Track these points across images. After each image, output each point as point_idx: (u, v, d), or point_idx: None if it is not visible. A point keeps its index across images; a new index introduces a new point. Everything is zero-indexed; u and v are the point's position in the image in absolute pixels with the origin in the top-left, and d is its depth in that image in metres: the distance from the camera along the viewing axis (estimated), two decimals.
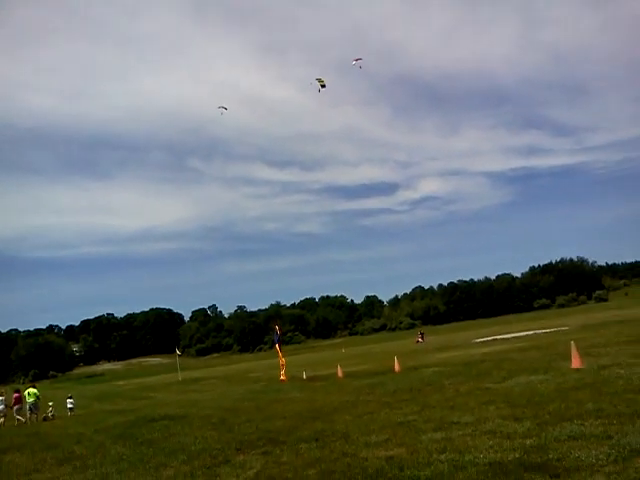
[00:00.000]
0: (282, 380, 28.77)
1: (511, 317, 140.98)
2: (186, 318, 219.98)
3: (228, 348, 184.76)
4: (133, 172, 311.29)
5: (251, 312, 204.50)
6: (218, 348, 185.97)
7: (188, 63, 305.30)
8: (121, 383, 72.07)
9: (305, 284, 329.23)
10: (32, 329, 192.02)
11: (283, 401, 18.30)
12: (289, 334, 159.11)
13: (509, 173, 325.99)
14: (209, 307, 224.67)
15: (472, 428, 9.25)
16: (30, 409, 27.33)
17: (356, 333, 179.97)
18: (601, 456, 6.60)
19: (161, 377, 75.84)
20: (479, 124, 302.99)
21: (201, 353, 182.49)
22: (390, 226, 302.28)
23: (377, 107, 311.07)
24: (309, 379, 27.28)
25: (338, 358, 50.25)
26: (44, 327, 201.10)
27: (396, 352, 34.63)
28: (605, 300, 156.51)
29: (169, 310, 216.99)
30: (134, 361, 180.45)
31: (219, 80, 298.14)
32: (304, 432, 11.33)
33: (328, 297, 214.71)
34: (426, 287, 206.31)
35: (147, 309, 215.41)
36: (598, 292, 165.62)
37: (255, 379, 35.75)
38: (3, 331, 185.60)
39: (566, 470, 6.31)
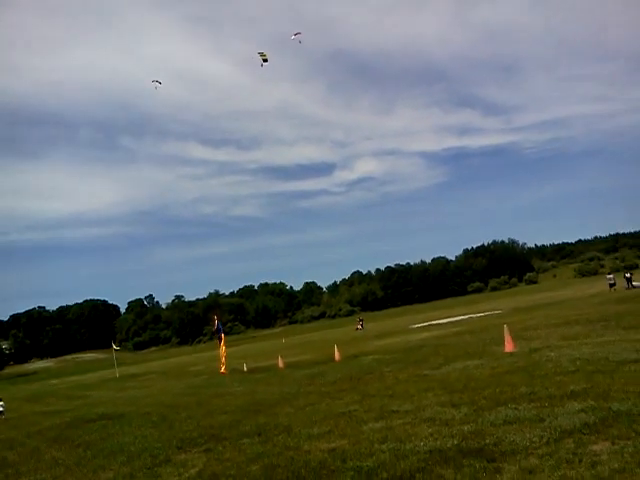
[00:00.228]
0: (222, 373, 28.54)
1: (446, 301, 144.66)
2: (122, 309, 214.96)
3: (166, 341, 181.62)
4: (61, 151, 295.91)
5: (189, 302, 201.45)
6: (156, 341, 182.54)
7: (116, 35, 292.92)
8: (55, 382, 69.80)
9: (244, 270, 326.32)
10: None
11: (224, 395, 18.17)
12: (229, 324, 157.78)
13: (442, 153, 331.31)
14: (146, 297, 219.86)
15: (412, 416, 9.45)
16: None
17: (296, 321, 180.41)
18: (534, 439, 6.88)
19: (97, 374, 73.91)
20: (413, 103, 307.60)
21: (138, 347, 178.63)
22: (327, 208, 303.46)
23: (313, 84, 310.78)
24: (250, 371, 27.19)
25: (278, 348, 50.27)
26: None
27: (336, 340, 34.97)
28: (535, 282, 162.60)
29: (104, 301, 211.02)
30: (68, 357, 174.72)
31: (150, 53, 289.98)
32: (246, 427, 11.30)
33: (267, 284, 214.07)
34: (364, 272, 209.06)
35: (81, 301, 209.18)
36: (529, 274, 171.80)
37: (195, 373, 35.34)
38: None
39: (502, 454, 6.54)
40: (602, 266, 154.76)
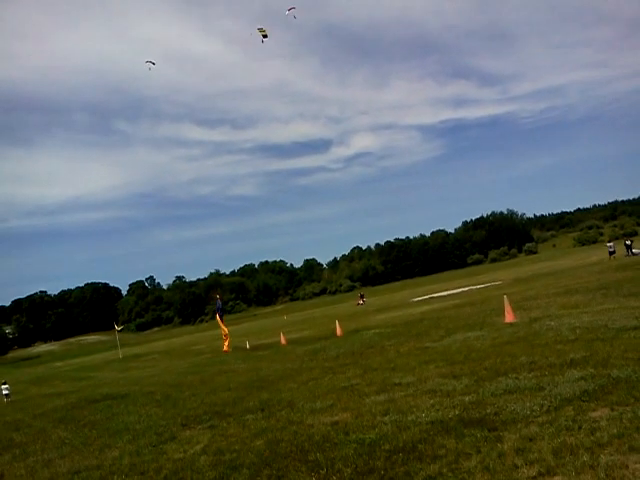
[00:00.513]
0: (225, 351, 28.71)
1: (446, 274, 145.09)
2: (124, 292, 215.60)
3: (169, 321, 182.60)
4: (56, 137, 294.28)
5: (190, 282, 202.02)
6: (158, 322, 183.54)
7: (106, 17, 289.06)
8: (59, 364, 70.31)
9: (244, 249, 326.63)
10: None
11: (227, 373, 18.30)
12: (230, 303, 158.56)
13: (439, 126, 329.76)
14: (147, 279, 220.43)
15: (413, 388, 9.52)
16: None
17: (297, 298, 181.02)
18: (535, 407, 6.94)
19: (101, 355, 74.41)
20: (408, 75, 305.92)
21: (141, 328, 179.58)
22: (325, 185, 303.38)
23: (306, 60, 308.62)
24: (252, 348, 27.36)
25: (280, 325, 50.57)
26: None
27: (337, 316, 35.15)
28: (535, 252, 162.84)
29: (105, 284, 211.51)
30: (72, 340, 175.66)
31: (140, 35, 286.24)
32: (250, 403, 11.39)
33: (267, 263, 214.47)
34: (364, 247, 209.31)
35: (82, 284, 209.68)
36: (528, 245, 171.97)
37: (198, 352, 35.56)
38: None
39: (503, 423, 6.61)
40: (601, 234, 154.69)
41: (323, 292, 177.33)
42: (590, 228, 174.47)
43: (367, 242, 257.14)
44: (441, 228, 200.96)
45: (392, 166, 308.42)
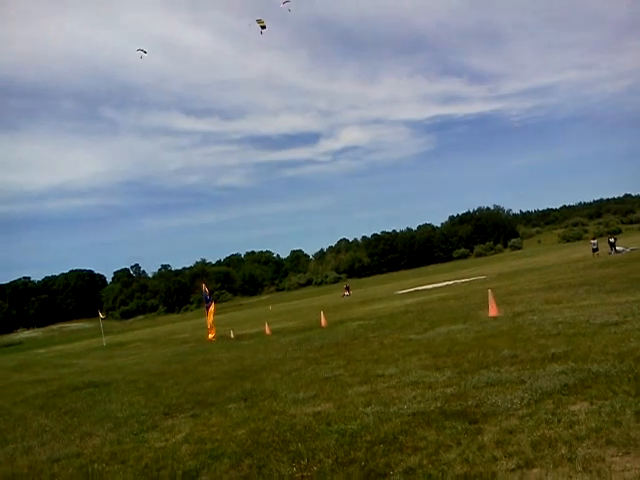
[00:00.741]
0: (210, 340, 28.67)
1: (432, 268, 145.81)
2: (108, 279, 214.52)
3: (153, 309, 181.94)
4: (42, 123, 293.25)
5: (176, 271, 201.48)
6: (143, 310, 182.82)
7: (94, 4, 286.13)
8: (42, 351, 69.76)
9: (230, 239, 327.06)
10: None
11: (211, 362, 18.27)
12: (216, 292, 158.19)
13: (427, 122, 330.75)
14: (132, 267, 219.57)
15: (396, 380, 9.56)
16: None
17: (283, 289, 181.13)
18: (515, 400, 7.00)
19: (84, 343, 73.96)
20: (397, 71, 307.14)
21: (125, 316, 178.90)
22: (313, 177, 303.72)
23: (296, 53, 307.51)
24: (237, 338, 27.33)
25: (265, 315, 50.59)
26: None
27: (322, 307, 35.21)
28: (519, 248, 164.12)
29: (90, 272, 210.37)
30: (55, 327, 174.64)
31: (129, 23, 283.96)
32: (233, 392, 11.38)
33: (254, 253, 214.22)
34: (350, 240, 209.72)
35: (67, 271, 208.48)
36: (513, 240, 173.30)
37: (182, 340, 35.47)
38: None
39: (484, 415, 6.66)
40: (586, 231, 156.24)
41: (309, 283, 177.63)
42: (575, 225, 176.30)
43: (354, 235, 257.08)
44: (428, 222, 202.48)
45: (380, 160, 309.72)
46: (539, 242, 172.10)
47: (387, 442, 6.33)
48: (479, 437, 5.94)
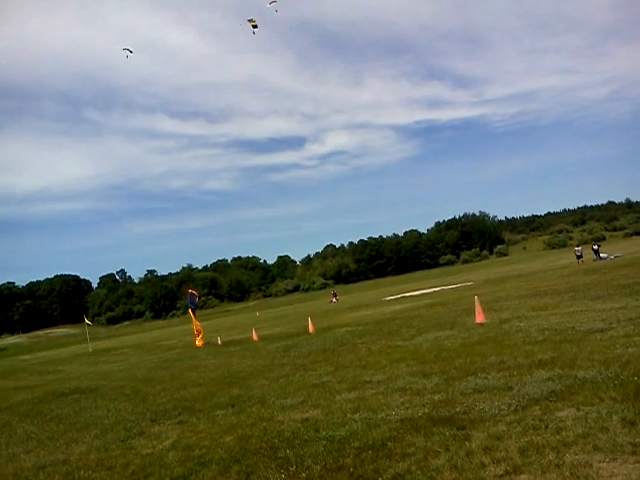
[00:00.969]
0: (198, 346, 28.53)
1: (419, 274, 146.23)
2: (94, 285, 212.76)
3: (140, 315, 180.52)
4: (25, 124, 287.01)
5: (162, 276, 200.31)
6: (129, 316, 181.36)
7: (79, 3, 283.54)
8: (26, 357, 68.96)
9: (216, 244, 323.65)
10: None
11: (198, 368, 18.19)
12: (202, 298, 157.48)
13: (413, 126, 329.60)
14: (118, 272, 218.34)
15: (384, 386, 9.58)
16: None
17: (270, 295, 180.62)
18: (503, 407, 7.04)
19: (70, 349, 73.32)
20: (382, 75, 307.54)
21: (111, 322, 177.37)
22: (299, 182, 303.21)
23: (281, 55, 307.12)
24: (224, 344, 27.23)
25: (253, 321, 50.43)
26: None
27: (310, 313, 35.17)
28: (505, 255, 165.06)
29: (75, 277, 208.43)
30: (40, 333, 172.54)
31: (113, 23, 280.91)
32: (220, 399, 11.35)
33: (240, 258, 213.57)
34: (337, 245, 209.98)
35: (52, 276, 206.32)
36: (499, 247, 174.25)
37: (169, 347, 35.26)
38: None
39: (471, 422, 6.69)
40: (571, 238, 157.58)
41: (296, 289, 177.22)
42: (560, 232, 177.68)
43: (341, 240, 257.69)
44: (414, 228, 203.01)
45: (366, 165, 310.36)
46: (524, 249, 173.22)
47: (375, 448, 6.34)
48: (467, 443, 5.96)
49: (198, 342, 29.04)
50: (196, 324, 30.00)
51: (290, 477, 6.02)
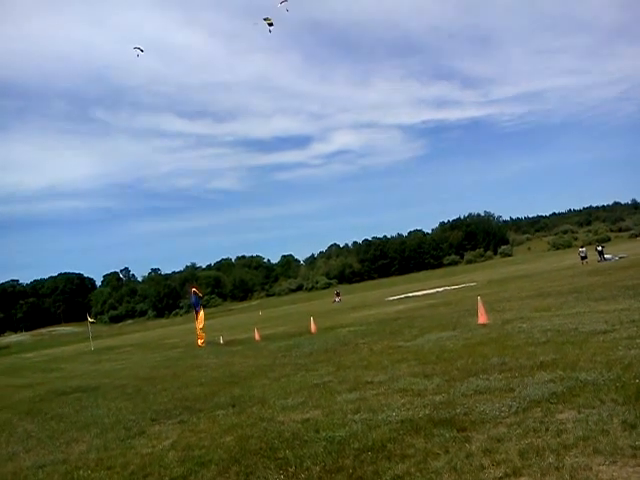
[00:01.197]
0: (200, 345, 28.53)
1: (422, 274, 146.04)
2: (98, 283, 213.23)
3: (143, 314, 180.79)
4: (32, 123, 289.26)
5: (166, 275, 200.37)
6: (132, 314, 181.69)
7: (86, 3, 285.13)
8: (29, 355, 69.22)
9: (221, 243, 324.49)
10: None
11: (200, 367, 18.19)
12: (206, 297, 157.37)
13: (420, 126, 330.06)
14: (121, 270, 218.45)
15: (385, 387, 9.55)
16: None
17: (273, 294, 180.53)
18: (504, 408, 7.00)
19: (73, 347, 73.50)
20: (390, 75, 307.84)
21: (114, 320, 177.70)
22: (305, 181, 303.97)
23: (288, 55, 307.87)
24: (226, 344, 27.24)
25: (255, 321, 50.46)
26: None
27: (313, 313, 35.13)
28: (510, 255, 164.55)
29: (79, 275, 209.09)
30: (43, 331, 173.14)
31: (121, 23, 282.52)
32: (221, 398, 11.33)
33: (244, 257, 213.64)
34: (341, 245, 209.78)
35: (55, 274, 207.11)
36: (503, 247, 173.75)
37: (171, 345, 35.31)
38: None
39: (472, 423, 6.65)
40: (576, 239, 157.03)
41: (299, 289, 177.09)
42: (565, 233, 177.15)
43: (345, 240, 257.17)
44: (418, 228, 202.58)
45: (372, 165, 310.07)
46: (529, 249, 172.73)
47: (375, 450, 6.31)
48: (467, 445, 5.93)
49: (199, 341, 29.02)
50: (199, 324, 29.92)
51: (289, 478, 5.99)
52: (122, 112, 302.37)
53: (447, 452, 5.84)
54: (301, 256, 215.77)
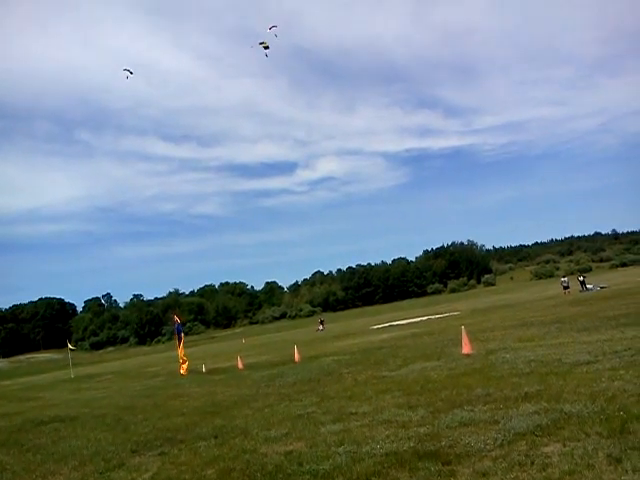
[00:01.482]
0: (182, 374, 28.17)
1: (406, 303, 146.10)
2: (79, 308, 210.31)
3: (124, 341, 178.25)
4: (15, 144, 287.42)
5: (148, 301, 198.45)
6: (114, 341, 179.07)
7: (74, 25, 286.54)
8: (6, 383, 67.73)
9: (204, 269, 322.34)
10: None
11: (182, 397, 17.92)
12: (188, 324, 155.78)
13: (404, 154, 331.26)
14: (103, 296, 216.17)
15: (369, 418, 9.46)
16: None
17: (256, 322, 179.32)
18: (489, 441, 6.95)
19: (52, 374, 72.17)
20: (374, 102, 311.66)
21: (95, 347, 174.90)
22: (289, 207, 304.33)
23: (275, 81, 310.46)
24: (208, 372, 26.92)
25: (238, 349, 49.97)
26: None
27: (296, 341, 34.94)
28: (493, 284, 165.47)
29: (60, 300, 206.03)
30: (22, 357, 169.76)
31: (108, 45, 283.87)
32: (203, 429, 11.15)
33: (228, 284, 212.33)
34: (325, 272, 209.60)
35: (36, 299, 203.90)
36: (486, 276, 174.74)
37: (153, 374, 34.79)
38: None
39: (457, 456, 6.59)
40: (558, 269, 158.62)
41: (283, 316, 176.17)
42: (547, 262, 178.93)
43: (329, 267, 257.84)
44: (402, 256, 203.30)
45: (356, 192, 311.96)
46: (512, 279, 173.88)
47: None
48: (452, 479, 5.87)
49: (182, 370, 28.68)
50: (181, 351, 29.63)
51: None
52: (107, 134, 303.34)
53: None
54: (285, 283, 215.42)
